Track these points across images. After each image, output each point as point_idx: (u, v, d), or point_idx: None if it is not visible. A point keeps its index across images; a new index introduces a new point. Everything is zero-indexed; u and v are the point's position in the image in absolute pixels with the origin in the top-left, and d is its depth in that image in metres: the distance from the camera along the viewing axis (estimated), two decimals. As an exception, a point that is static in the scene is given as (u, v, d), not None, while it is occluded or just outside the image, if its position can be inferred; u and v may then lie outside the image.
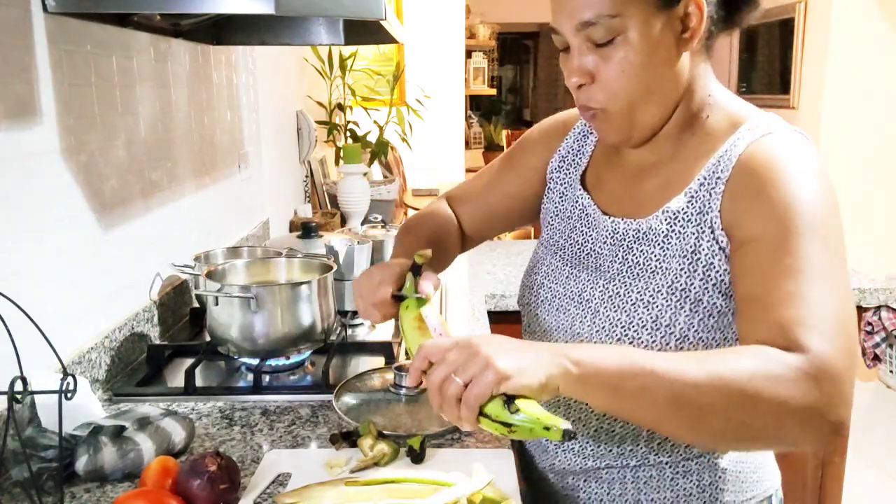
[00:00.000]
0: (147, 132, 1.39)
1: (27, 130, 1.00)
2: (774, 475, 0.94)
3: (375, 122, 3.40)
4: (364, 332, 1.49)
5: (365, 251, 1.59)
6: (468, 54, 5.24)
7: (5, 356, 0.91)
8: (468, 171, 4.92)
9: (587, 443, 0.89)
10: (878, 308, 3.43)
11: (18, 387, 0.74)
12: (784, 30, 4.63)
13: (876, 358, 3.50)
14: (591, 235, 0.91)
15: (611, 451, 0.88)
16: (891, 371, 3.57)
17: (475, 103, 8.07)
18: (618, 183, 0.92)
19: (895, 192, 4.06)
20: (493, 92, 6.22)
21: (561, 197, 0.99)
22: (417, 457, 0.91)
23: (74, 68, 1.12)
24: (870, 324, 3.46)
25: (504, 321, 1.80)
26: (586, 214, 0.93)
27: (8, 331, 0.77)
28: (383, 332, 1.50)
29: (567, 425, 0.64)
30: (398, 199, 3.35)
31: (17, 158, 0.98)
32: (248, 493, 0.85)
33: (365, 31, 1.62)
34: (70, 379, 0.78)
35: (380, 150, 3.32)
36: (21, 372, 0.76)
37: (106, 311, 1.23)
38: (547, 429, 0.64)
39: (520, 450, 1.02)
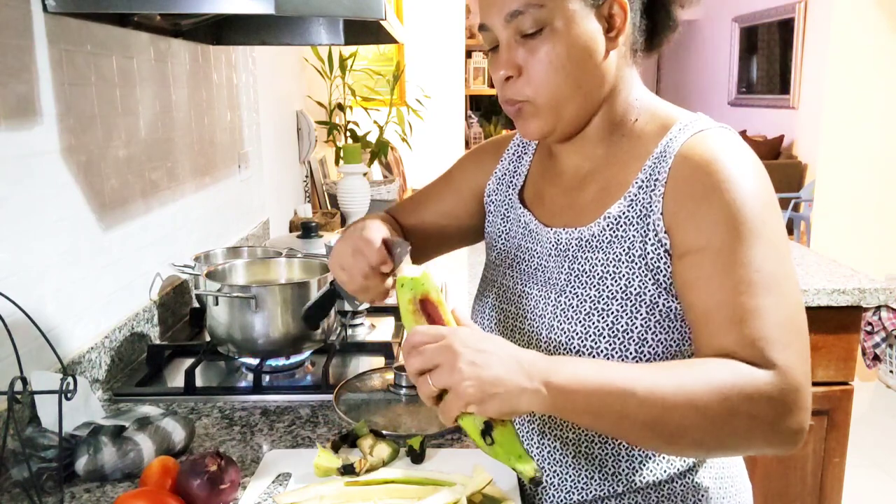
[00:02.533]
0: (147, 132, 1.39)
1: (27, 130, 1.00)
2: (746, 487, 0.93)
3: (375, 122, 3.40)
4: (364, 332, 1.50)
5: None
6: (468, 54, 5.24)
7: (5, 356, 0.91)
8: (468, 171, 4.92)
9: (569, 473, 0.86)
10: (878, 308, 3.43)
11: (18, 387, 0.74)
12: (784, 30, 4.63)
13: (876, 358, 3.50)
14: (536, 250, 0.91)
15: (593, 478, 0.85)
16: (891, 371, 3.57)
17: (475, 103, 8.05)
18: (557, 195, 0.92)
19: (895, 192, 4.06)
20: (494, 92, 6.21)
21: (503, 218, 0.98)
22: (417, 457, 0.92)
23: (74, 68, 1.12)
24: (870, 324, 3.46)
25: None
26: (529, 231, 0.92)
27: (8, 331, 0.77)
28: (383, 332, 1.50)
29: (536, 472, 0.68)
30: (398, 199, 3.36)
31: (17, 158, 0.98)
32: (248, 493, 0.85)
33: (365, 31, 1.62)
34: (70, 379, 0.78)
35: (380, 150, 3.32)
36: (21, 372, 0.76)
37: (106, 311, 1.23)
38: (518, 460, 0.69)
39: None
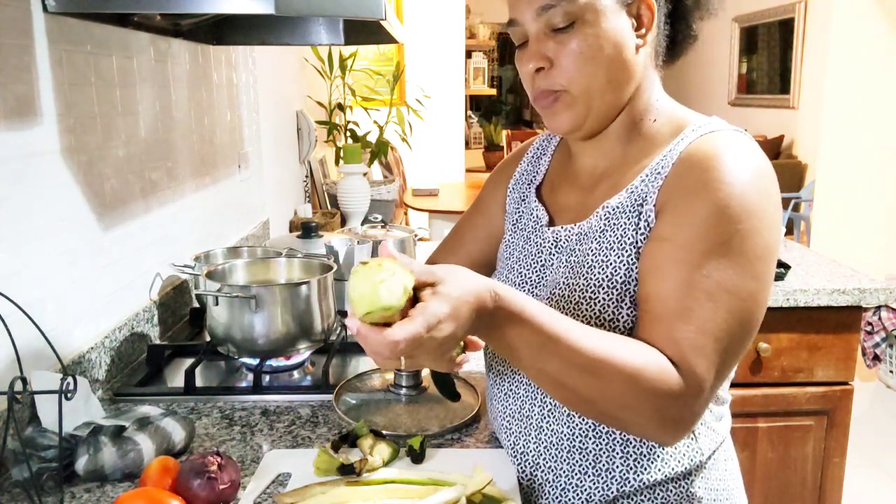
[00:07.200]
0: (147, 132, 1.39)
1: (27, 130, 1.00)
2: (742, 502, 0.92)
3: (375, 122, 3.40)
4: (364, 332, 1.49)
5: (365, 251, 1.59)
6: (468, 54, 5.25)
7: (5, 356, 0.91)
8: (468, 171, 4.93)
9: (563, 469, 0.85)
10: (878, 308, 3.43)
11: (18, 387, 0.74)
12: (784, 30, 4.63)
13: (876, 358, 3.50)
14: (543, 247, 0.92)
15: (586, 474, 0.84)
16: (891, 371, 3.57)
17: (475, 103, 8.07)
18: (571, 192, 0.93)
19: (895, 192, 4.06)
20: (493, 92, 6.24)
21: (516, 210, 1.00)
22: (417, 457, 0.92)
23: (74, 68, 1.12)
24: (870, 324, 3.46)
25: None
26: (540, 226, 0.94)
27: (8, 331, 0.77)
28: (383, 332, 1.49)
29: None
30: (398, 199, 3.36)
31: (17, 158, 0.98)
32: (248, 493, 0.85)
33: (365, 31, 1.62)
34: (70, 379, 0.78)
35: (380, 150, 3.32)
36: (21, 372, 0.76)
37: (106, 311, 1.23)
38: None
39: None
